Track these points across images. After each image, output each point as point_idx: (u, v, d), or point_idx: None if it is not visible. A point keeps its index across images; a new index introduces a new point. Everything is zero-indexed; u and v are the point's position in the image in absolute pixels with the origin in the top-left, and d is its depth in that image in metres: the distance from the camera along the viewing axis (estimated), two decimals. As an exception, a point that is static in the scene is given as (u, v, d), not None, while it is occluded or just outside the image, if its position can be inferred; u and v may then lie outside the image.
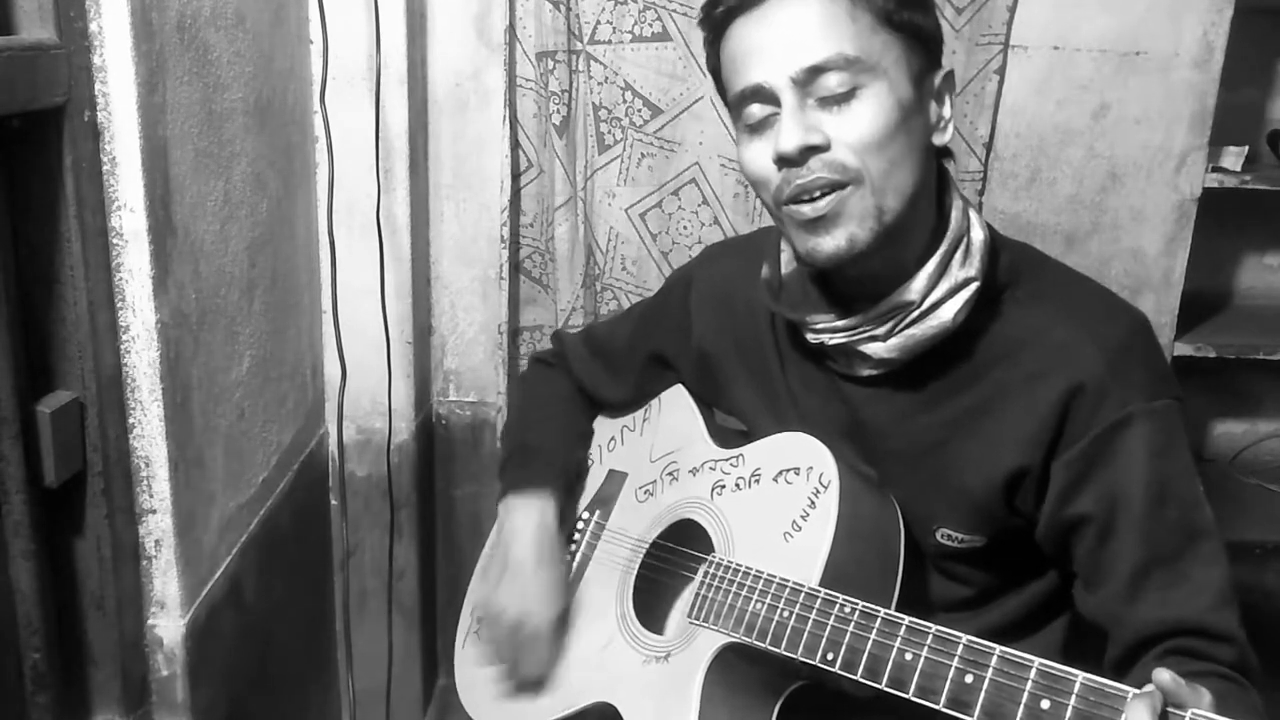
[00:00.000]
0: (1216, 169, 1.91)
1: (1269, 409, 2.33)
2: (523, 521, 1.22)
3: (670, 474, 1.21)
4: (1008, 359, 1.00)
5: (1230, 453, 2.32)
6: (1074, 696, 0.79)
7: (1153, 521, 0.95)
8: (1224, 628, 0.94)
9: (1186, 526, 0.96)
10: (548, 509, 1.23)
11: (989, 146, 1.82)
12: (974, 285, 0.98)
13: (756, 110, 0.96)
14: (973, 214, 1.01)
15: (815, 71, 0.93)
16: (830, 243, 0.95)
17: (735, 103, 0.99)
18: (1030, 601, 1.09)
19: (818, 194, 0.94)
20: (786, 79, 0.93)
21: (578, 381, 1.35)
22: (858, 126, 0.93)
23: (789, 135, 0.93)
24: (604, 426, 1.35)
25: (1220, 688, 0.88)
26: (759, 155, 0.97)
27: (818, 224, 0.95)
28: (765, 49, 0.95)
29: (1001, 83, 1.78)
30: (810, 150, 0.93)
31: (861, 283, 1.01)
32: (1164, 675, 0.76)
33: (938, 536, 1.05)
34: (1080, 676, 0.79)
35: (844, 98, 0.93)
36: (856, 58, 0.92)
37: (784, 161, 0.94)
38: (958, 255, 0.98)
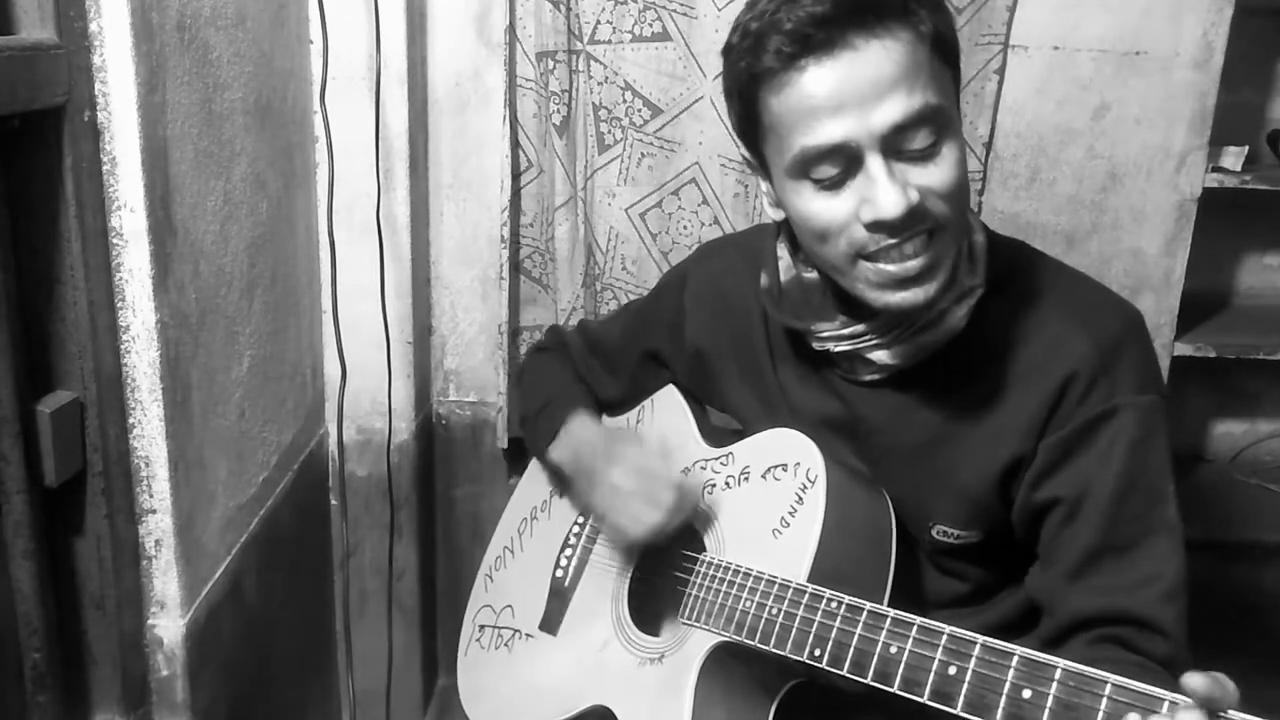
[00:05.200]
0: (1216, 169, 1.91)
1: (1269, 409, 2.33)
2: (572, 451, 1.23)
3: None
4: (1004, 355, 1.00)
5: (1230, 453, 2.32)
6: (1055, 684, 0.79)
7: (1115, 510, 0.95)
8: (1161, 622, 0.94)
9: (1148, 520, 0.96)
10: (586, 424, 1.24)
11: (989, 146, 1.82)
12: (979, 291, 0.98)
13: (829, 169, 0.90)
14: (971, 218, 1.02)
15: (903, 128, 0.88)
16: (921, 295, 0.92)
17: (802, 158, 0.91)
18: (1030, 598, 1.09)
19: (908, 249, 0.91)
20: (875, 138, 0.87)
21: (576, 371, 1.36)
22: (945, 177, 0.90)
23: (892, 200, 0.87)
24: None
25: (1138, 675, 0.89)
26: (836, 211, 0.91)
27: (906, 282, 0.92)
28: (845, 102, 0.87)
29: (1001, 83, 1.78)
30: (911, 211, 0.89)
31: None
32: (1196, 680, 0.72)
33: (933, 533, 1.05)
34: (1061, 664, 0.79)
35: (930, 151, 0.89)
36: (940, 107, 0.89)
37: (881, 225, 0.89)
38: (963, 263, 0.98)
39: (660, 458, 1.15)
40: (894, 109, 0.87)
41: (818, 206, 0.93)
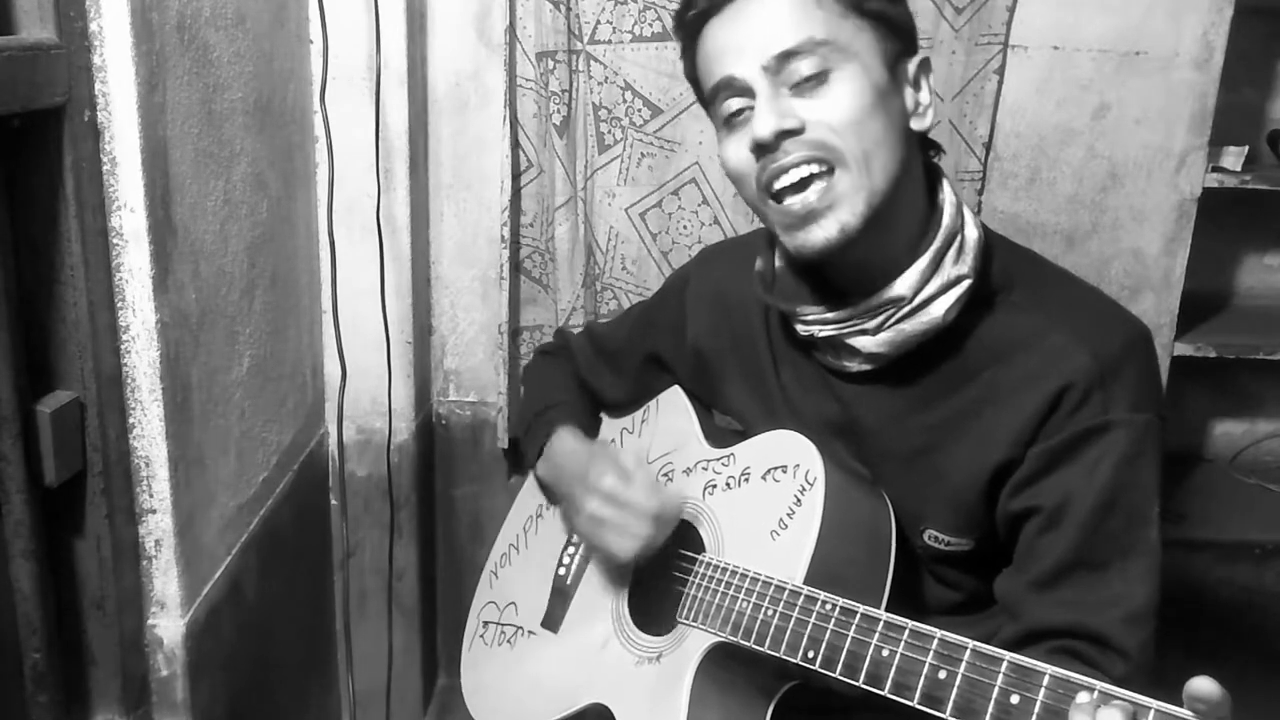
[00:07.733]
0: (1216, 169, 1.91)
1: (1269, 409, 2.33)
2: (555, 471, 1.25)
3: (665, 475, 1.21)
4: (1002, 361, 1.00)
5: (1230, 453, 2.32)
6: (1043, 690, 0.79)
7: (1094, 525, 0.95)
8: (1124, 643, 0.93)
9: (1126, 540, 0.95)
10: (569, 442, 1.25)
11: (989, 146, 1.82)
12: (966, 283, 0.98)
13: (733, 104, 0.98)
14: (967, 212, 1.02)
15: (786, 57, 0.94)
16: (820, 234, 0.95)
17: (710, 99, 1.00)
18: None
19: (801, 181, 0.94)
20: (758, 68, 0.95)
21: (580, 375, 1.36)
22: (833, 107, 0.94)
23: (763, 121, 0.94)
24: (604, 429, 1.36)
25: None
26: (737, 148, 0.98)
27: (808, 218, 0.95)
28: (738, 44, 0.96)
29: (1001, 83, 1.78)
30: (785, 134, 0.94)
31: (853, 276, 1.01)
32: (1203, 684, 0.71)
33: (925, 538, 1.05)
34: (1049, 670, 0.79)
35: (817, 81, 0.94)
36: (826, 40, 0.94)
37: (760, 149, 0.95)
38: (950, 252, 0.98)
39: (639, 482, 1.12)
40: (775, 42, 0.94)
41: (729, 149, 0.99)
